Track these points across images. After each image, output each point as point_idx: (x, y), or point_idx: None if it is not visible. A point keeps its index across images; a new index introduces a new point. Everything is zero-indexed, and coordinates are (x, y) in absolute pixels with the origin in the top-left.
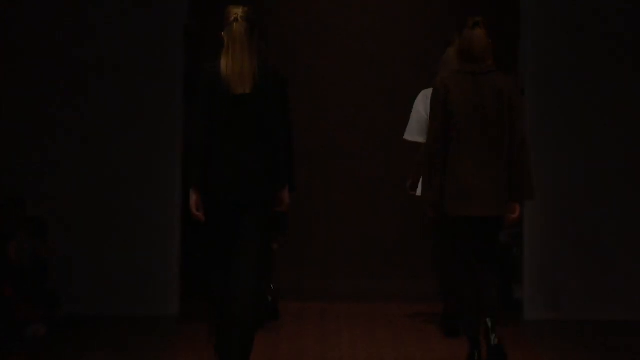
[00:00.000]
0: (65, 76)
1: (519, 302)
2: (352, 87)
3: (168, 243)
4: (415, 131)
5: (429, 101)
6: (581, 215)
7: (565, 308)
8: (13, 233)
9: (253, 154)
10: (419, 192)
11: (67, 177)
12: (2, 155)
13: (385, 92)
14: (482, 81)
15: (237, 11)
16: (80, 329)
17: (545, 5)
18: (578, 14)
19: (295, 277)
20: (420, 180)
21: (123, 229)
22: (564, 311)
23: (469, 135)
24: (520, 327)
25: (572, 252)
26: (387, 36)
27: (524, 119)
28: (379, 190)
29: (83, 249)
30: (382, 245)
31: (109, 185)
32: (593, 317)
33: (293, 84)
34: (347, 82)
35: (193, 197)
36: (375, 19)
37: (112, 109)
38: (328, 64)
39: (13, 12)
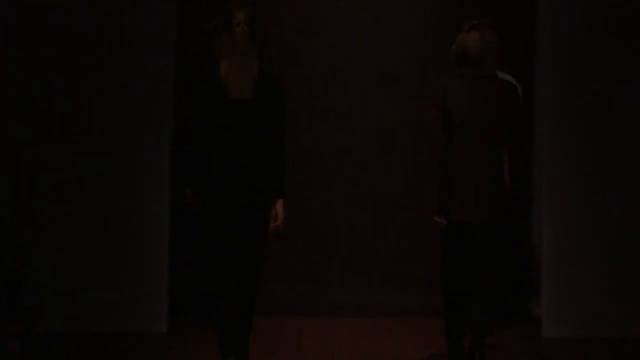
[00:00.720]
0: (46, 76)
1: (537, 319)
2: (352, 88)
3: (156, 257)
4: None
5: None
6: (602, 230)
7: (586, 325)
8: None
9: (249, 162)
10: None
11: (48, 184)
12: None
13: (387, 95)
14: (480, 85)
15: (239, 15)
16: (60, 347)
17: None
18: (600, 9)
19: (293, 291)
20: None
21: (108, 240)
22: (584, 328)
23: (469, 140)
24: (539, 344)
25: (592, 267)
26: (389, 35)
27: (523, 123)
28: (381, 198)
29: (64, 261)
30: (385, 257)
31: (93, 194)
32: (614, 335)
33: (293, 86)
34: (348, 83)
35: (187, 191)
36: (377, 19)
37: (98, 112)
38: (328, 64)
39: None
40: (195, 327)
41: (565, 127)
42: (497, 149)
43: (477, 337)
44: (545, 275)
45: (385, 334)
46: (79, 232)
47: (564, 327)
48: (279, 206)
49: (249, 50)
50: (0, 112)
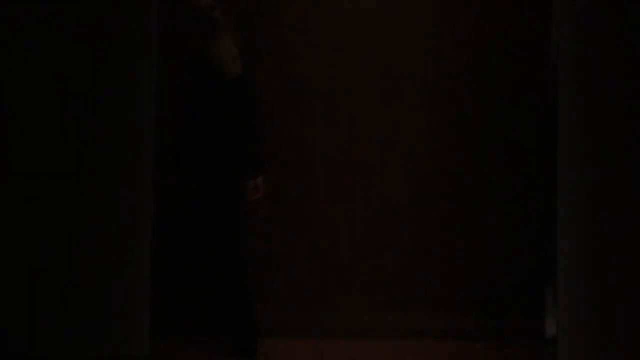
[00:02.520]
0: (24, 75)
1: (552, 341)
2: (354, 91)
3: (136, 273)
4: None
5: None
6: (623, 248)
7: (605, 348)
8: None
9: (236, 137)
10: None
11: (18, 197)
12: None
13: (390, 97)
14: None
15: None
16: None
17: None
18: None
19: (289, 312)
20: None
21: (84, 255)
22: (603, 352)
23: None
24: None
25: (611, 286)
26: (391, 35)
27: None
28: (383, 213)
29: (36, 276)
30: (386, 276)
31: (68, 206)
32: (634, 359)
33: (292, 87)
34: (349, 85)
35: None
36: (379, 19)
37: (70, 111)
38: (328, 64)
39: None
40: (178, 348)
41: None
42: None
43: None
44: (560, 294)
45: (385, 356)
46: (52, 246)
47: (582, 350)
48: (260, 179)
49: (231, 30)
50: None
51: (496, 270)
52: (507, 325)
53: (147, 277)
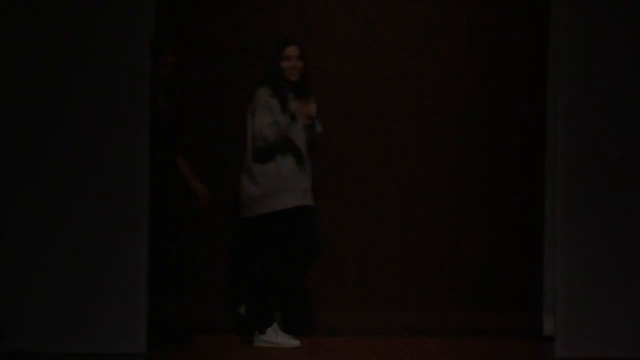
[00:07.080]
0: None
1: (550, 337)
2: (353, 91)
3: (134, 270)
4: None
5: None
6: (620, 245)
7: (602, 345)
8: None
9: None
10: None
11: (20, 195)
12: None
13: (390, 97)
14: None
15: None
16: None
17: None
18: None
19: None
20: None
21: (82, 252)
22: (600, 348)
23: None
24: None
25: (609, 283)
26: (392, 35)
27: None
28: (382, 211)
29: (33, 274)
30: (389, 273)
31: (66, 203)
32: (632, 356)
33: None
34: (348, 84)
35: None
36: (379, 18)
37: (68, 110)
38: (328, 63)
39: None
40: (176, 346)
41: (579, 130)
42: None
43: None
44: (558, 290)
45: (386, 354)
46: (49, 243)
47: (579, 347)
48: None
49: None
50: None
51: (496, 268)
52: (505, 322)
53: (144, 273)
